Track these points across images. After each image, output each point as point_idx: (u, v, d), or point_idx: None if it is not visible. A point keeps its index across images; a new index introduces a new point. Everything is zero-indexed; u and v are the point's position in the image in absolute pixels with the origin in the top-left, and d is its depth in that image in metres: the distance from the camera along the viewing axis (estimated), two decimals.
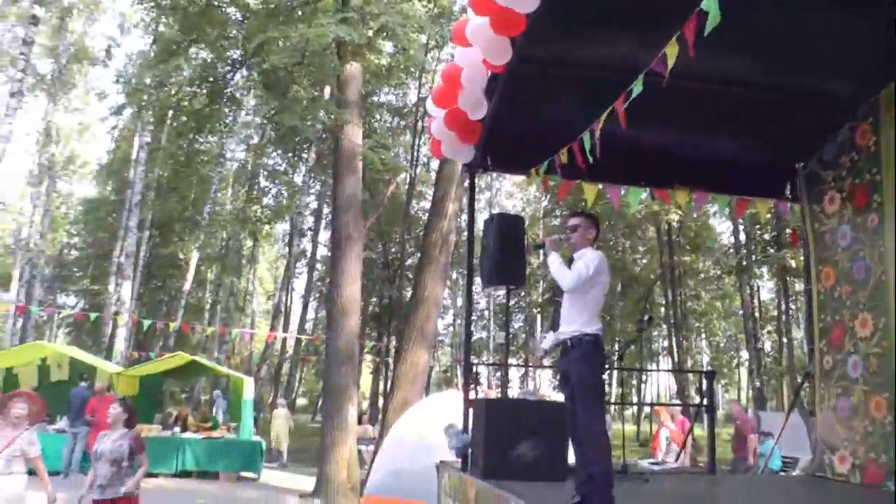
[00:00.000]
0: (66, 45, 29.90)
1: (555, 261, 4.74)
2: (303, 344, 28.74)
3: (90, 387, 14.59)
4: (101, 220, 34.06)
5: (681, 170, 7.51)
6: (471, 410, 7.40)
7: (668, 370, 33.43)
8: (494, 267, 7.17)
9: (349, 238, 13.51)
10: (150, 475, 13.66)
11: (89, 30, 31.48)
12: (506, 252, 7.13)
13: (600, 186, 8.00)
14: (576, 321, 4.60)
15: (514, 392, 20.34)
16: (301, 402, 45.57)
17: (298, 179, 28.59)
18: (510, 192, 39.91)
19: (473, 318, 41.28)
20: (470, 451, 7.15)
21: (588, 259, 4.60)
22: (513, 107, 6.55)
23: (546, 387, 34.43)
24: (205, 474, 14.46)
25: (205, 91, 14.87)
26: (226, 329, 26.85)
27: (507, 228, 7.16)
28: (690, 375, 26.71)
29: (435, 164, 30.50)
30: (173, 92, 15.44)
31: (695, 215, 25.41)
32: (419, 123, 27.30)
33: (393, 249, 29.71)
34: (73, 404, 14.05)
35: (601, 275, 4.62)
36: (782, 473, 11.19)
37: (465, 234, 8.81)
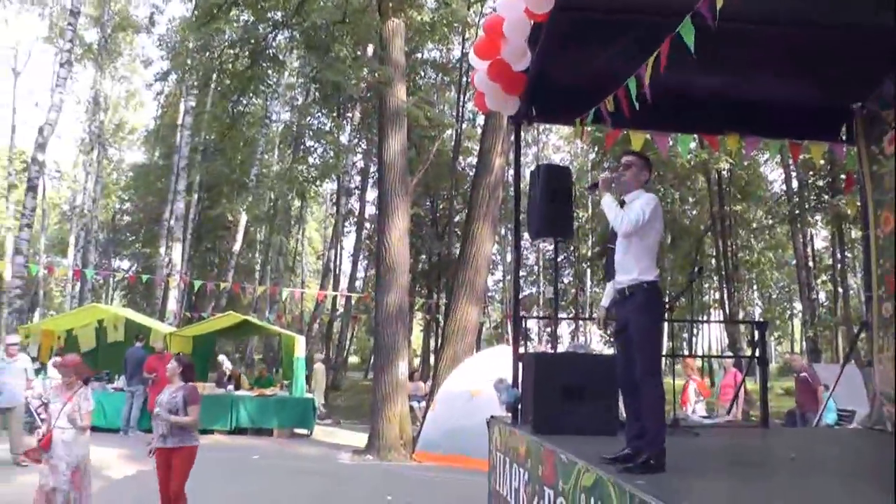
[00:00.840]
0: (111, 13, 30.20)
1: (609, 202, 4.48)
2: (353, 302, 28.92)
3: (146, 346, 14.93)
4: (151, 185, 34.68)
5: (731, 115, 7.28)
6: (520, 365, 7.37)
7: (720, 321, 32.92)
8: (542, 219, 7.08)
9: (396, 195, 13.48)
10: (205, 432, 14.07)
11: None
12: (553, 204, 7.03)
13: (648, 135, 7.82)
14: (633, 269, 4.38)
15: (563, 347, 20.32)
16: (353, 359, 46.12)
17: (344, 139, 28.60)
18: (557, 146, 39.56)
19: (522, 273, 41.00)
20: (520, 405, 7.14)
21: (644, 202, 4.34)
22: (556, 56, 6.40)
23: (596, 342, 34.39)
24: (259, 431, 14.76)
25: (247, 53, 14.84)
26: (277, 288, 27.16)
27: (554, 180, 7.06)
28: (742, 327, 26.35)
29: (481, 119, 30.40)
30: (216, 55, 15.45)
31: (745, 163, 24.77)
32: (464, 79, 27.04)
33: (441, 206, 29.60)
34: (129, 364, 14.42)
35: (657, 221, 4.40)
36: (837, 427, 10.99)
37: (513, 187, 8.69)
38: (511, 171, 12.98)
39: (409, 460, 12.45)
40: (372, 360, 50.33)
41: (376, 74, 13.36)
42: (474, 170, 17.06)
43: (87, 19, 28.95)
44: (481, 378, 12.59)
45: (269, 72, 16.70)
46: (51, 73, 28.13)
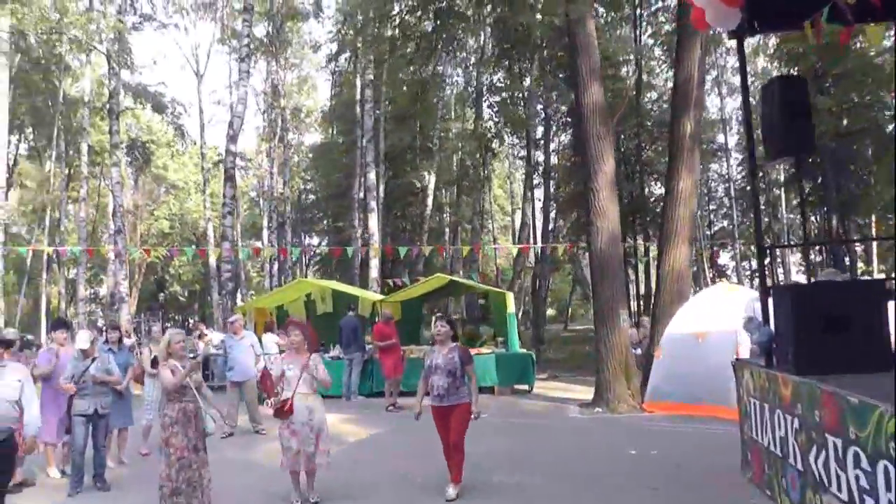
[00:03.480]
0: (279, 4, 31.27)
1: None
2: (548, 253, 28.54)
3: (357, 315, 15.38)
4: (333, 162, 35.82)
5: None
6: (769, 300, 6.74)
7: None
8: (782, 137, 6.51)
9: (599, 138, 12.83)
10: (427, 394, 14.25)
11: None
12: (792, 119, 6.48)
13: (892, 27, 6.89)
14: None
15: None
16: (549, 311, 45.89)
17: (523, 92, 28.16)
18: (735, 67, 37.08)
19: (712, 206, 39.19)
20: (773, 344, 6.51)
21: None
22: None
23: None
24: (479, 389, 14.71)
25: (431, 13, 14.53)
26: (479, 245, 27.30)
27: (791, 92, 6.52)
28: None
29: (656, 53, 28.99)
30: (396, 23, 15.36)
31: None
32: (637, 10, 25.70)
33: (630, 146, 28.50)
34: (344, 332, 14.84)
35: None
36: None
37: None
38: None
39: (638, 411, 12.00)
40: (569, 312, 50.44)
41: (567, 14, 12.68)
42: (670, 105, 16.04)
43: (256, 15, 30.22)
44: (706, 320, 11.92)
45: (456, 30, 16.27)
46: (226, 73, 29.75)
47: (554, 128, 31.57)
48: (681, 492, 6.80)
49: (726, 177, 35.54)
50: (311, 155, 42.63)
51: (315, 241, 43.95)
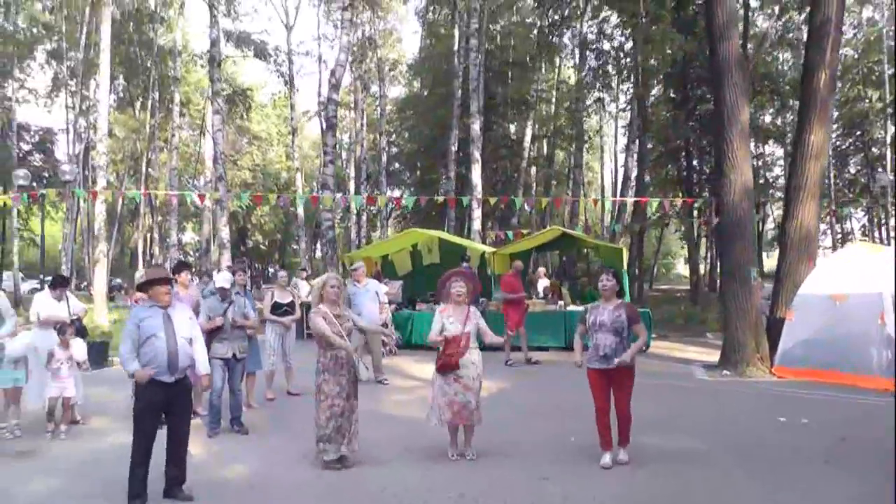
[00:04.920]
0: None
1: None
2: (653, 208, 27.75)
3: (470, 266, 14.91)
4: (423, 115, 35.64)
5: None
6: None
7: None
8: None
9: (735, 86, 12.04)
10: (539, 348, 13.86)
11: None
12: None
13: None
14: None
15: None
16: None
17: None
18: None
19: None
20: None
21: None
22: None
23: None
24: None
25: None
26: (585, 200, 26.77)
27: None
28: None
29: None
30: None
31: None
32: None
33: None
34: None
35: None
36: None
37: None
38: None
39: (768, 375, 11.42)
40: (654, 271, 49.31)
41: None
42: (804, 50, 15.01)
43: None
44: (846, 282, 11.16)
45: None
46: (314, 24, 29.60)
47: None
48: (857, 465, 6.29)
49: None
50: (396, 108, 42.36)
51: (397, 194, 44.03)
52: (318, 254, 36.70)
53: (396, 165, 43.41)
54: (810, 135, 12.70)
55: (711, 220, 18.32)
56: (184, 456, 5.59)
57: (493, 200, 24.42)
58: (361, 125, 40.23)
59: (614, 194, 32.49)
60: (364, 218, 40.19)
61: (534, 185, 35.82)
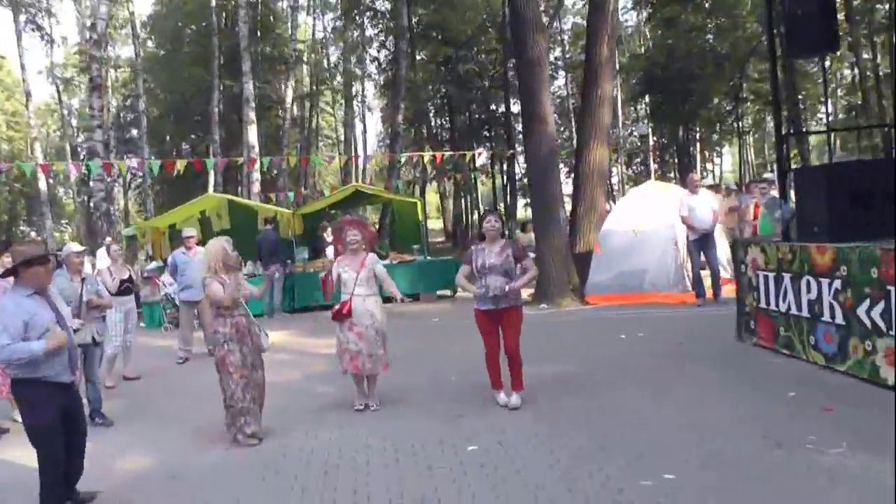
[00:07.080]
0: None
1: None
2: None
3: (276, 229, 14.91)
4: (174, 75, 33.71)
5: None
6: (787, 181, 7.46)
7: None
8: (802, 30, 6.96)
9: (535, 45, 13.10)
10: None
11: None
12: (813, 8, 6.88)
13: None
14: None
15: None
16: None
17: None
18: None
19: None
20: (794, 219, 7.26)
21: None
22: None
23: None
24: (408, 296, 14.75)
25: None
26: (393, 156, 27.01)
27: None
28: None
29: None
30: None
31: None
32: None
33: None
34: (263, 247, 14.36)
35: None
36: None
37: None
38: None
39: (582, 304, 12.61)
40: (530, 211, 50.52)
41: None
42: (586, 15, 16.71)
43: None
44: (642, 216, 12.76)
45: None
46: None
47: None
48: (705, 358, 7.59)
49: None
50: (126, 70, 39.77)
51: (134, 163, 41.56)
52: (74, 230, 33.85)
53: (134, 132, 40.71)
54: (598, 88, 14.41)
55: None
56: (82, 467, 4.90)
57: (266, 161, 23.29)
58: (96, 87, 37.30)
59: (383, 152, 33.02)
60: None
61: (298, 145, 35.60)
